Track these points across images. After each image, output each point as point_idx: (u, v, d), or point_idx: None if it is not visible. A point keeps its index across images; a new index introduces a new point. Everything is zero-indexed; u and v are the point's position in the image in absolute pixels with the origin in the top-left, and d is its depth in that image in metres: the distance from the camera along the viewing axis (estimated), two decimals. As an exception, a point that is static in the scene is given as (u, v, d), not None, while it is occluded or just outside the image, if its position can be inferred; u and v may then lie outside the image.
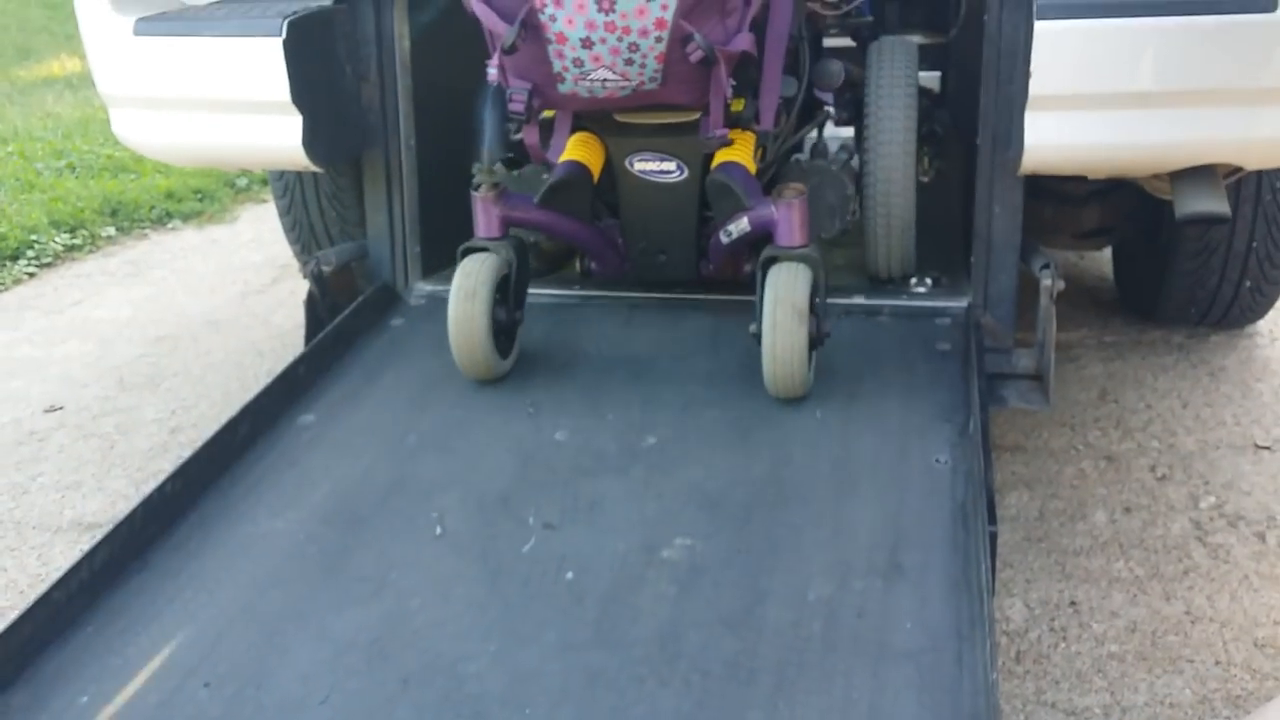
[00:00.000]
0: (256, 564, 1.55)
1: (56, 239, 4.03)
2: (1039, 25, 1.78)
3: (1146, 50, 1.78)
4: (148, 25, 2.17)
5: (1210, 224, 2.34)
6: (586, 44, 1.66)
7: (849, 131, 2.49)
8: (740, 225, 1.92)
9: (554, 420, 1.86)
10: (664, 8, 1.62)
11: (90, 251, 4.06)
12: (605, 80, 1.70)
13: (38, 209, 4.19)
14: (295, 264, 3.11)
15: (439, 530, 1.60)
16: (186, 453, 2.39)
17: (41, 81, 7.54)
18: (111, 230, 4.23)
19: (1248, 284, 2.72)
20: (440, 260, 2.47)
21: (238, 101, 2.11)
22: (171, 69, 2.15)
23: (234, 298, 3.53)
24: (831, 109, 2.33)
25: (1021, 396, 2.02)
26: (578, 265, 2.25)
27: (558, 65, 1.69)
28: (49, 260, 3.91)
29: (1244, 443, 2.37)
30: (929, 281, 2.27)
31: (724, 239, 1.96)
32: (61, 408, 2.70)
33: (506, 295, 1.94)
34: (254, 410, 1.87)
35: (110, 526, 1.53)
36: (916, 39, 3.69)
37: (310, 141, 2.11)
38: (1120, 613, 1.80)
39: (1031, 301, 2.00)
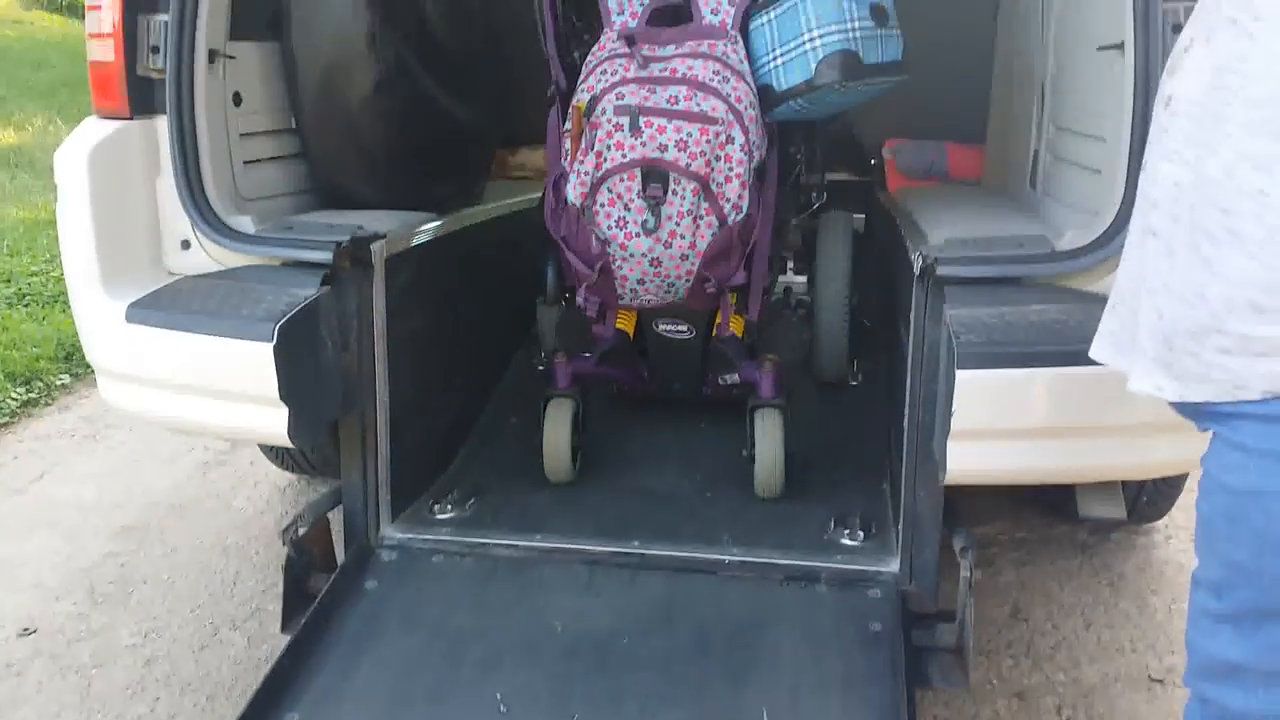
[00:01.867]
0: None
1: (13, 394, 4.11)
2: (960, 374, 2.00)
3: (1056, 394, 2.01)
4: (138, 313, 2.30)
5: (1109, 526, 2.60)
6: (640, 282, 2.49)
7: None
8: (732, 378, 2.80)
9: (526, 720, 2.04)
10: (692, 264, 2.44)
11: (46, 405, 4.15)
12: (649, 299, 2.56)
13: (-8, 359, 4.27)
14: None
15: None
16: (163, 693, 2.58)
17: (-26, 160, 7.51)
18: (66, 378, 4.32)
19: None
20: (407, 502, 2.64)
21: (227, 392, 2.26)
22: (162, 357, 2.29)
23: (193, 470, 3.65)
24: (791, 263, 3.17)
25: (944, 675, 2.25)
26: (614, 387, 3.06)
27: (620, 290, 2.53)
28: (5, 419, 3.99)
29: (1139, 674, 2.63)
30: (860, 534, 2.48)
31: (720, 382, 2.85)
32: (35, 630, 2.82)
33: (577, 426, 2.73)
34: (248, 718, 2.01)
35: None
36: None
37: (295, 429, 2.26)
38: None
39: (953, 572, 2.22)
